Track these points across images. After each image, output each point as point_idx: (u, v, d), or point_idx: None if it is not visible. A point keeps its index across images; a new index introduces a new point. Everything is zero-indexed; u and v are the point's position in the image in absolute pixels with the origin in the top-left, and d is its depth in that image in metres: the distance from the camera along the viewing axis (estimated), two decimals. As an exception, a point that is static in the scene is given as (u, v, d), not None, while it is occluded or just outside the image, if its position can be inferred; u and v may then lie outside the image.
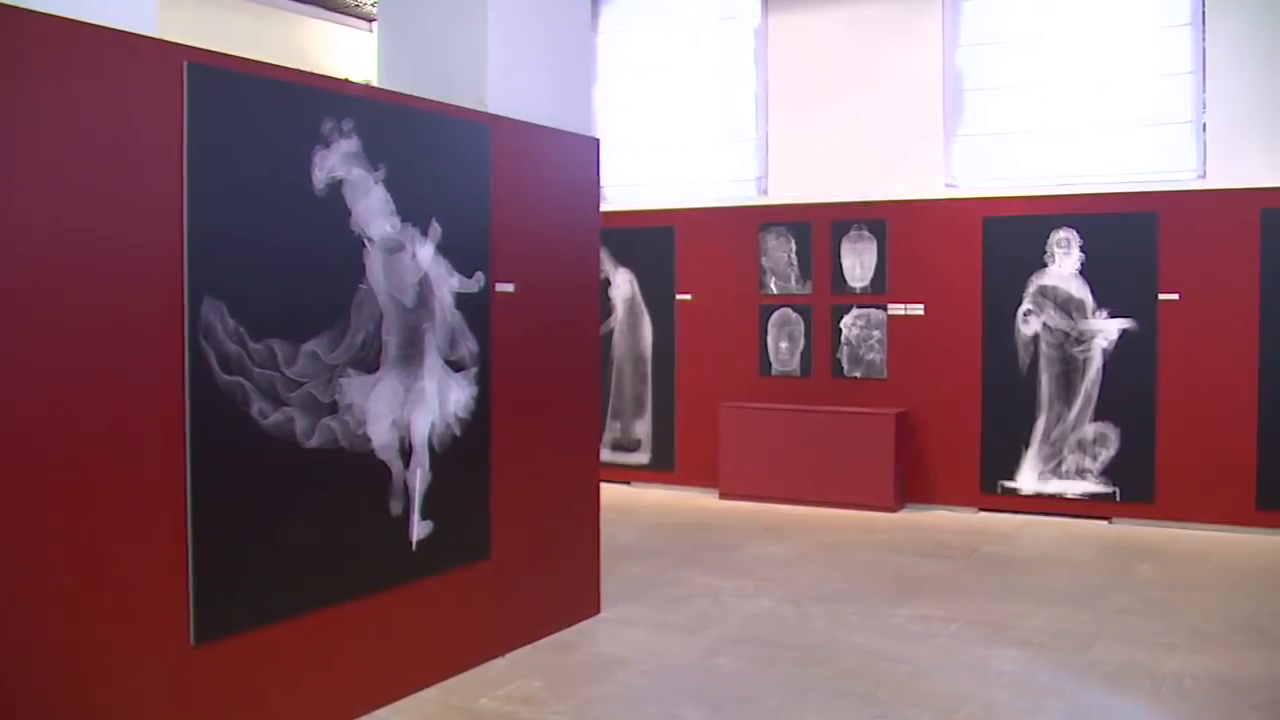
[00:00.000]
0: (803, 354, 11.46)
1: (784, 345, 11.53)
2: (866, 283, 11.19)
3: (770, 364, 11.59)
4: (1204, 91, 10.24)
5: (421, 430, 5.78)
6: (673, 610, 7.42)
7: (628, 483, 12.11)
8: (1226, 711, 5.67)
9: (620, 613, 7.30)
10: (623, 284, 12.24)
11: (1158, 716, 5.63)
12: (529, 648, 6.57)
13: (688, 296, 11.94)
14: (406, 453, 5.69)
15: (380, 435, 5.52)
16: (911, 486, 10.99)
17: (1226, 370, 9.94)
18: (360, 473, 5.45)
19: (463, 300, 6.06)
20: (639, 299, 12.18)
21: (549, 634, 6.79)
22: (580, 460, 7.21)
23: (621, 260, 12.19)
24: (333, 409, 5.24)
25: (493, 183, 6.30)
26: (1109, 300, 10.31)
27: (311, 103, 5.18)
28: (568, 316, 7.01)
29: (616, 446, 12.22)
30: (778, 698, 5.83)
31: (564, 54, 7.08)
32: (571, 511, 7.08)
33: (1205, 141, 10.25)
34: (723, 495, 11.47)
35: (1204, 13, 10.19)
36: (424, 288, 5.79)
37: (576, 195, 7.12)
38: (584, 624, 7.07)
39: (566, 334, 7.01)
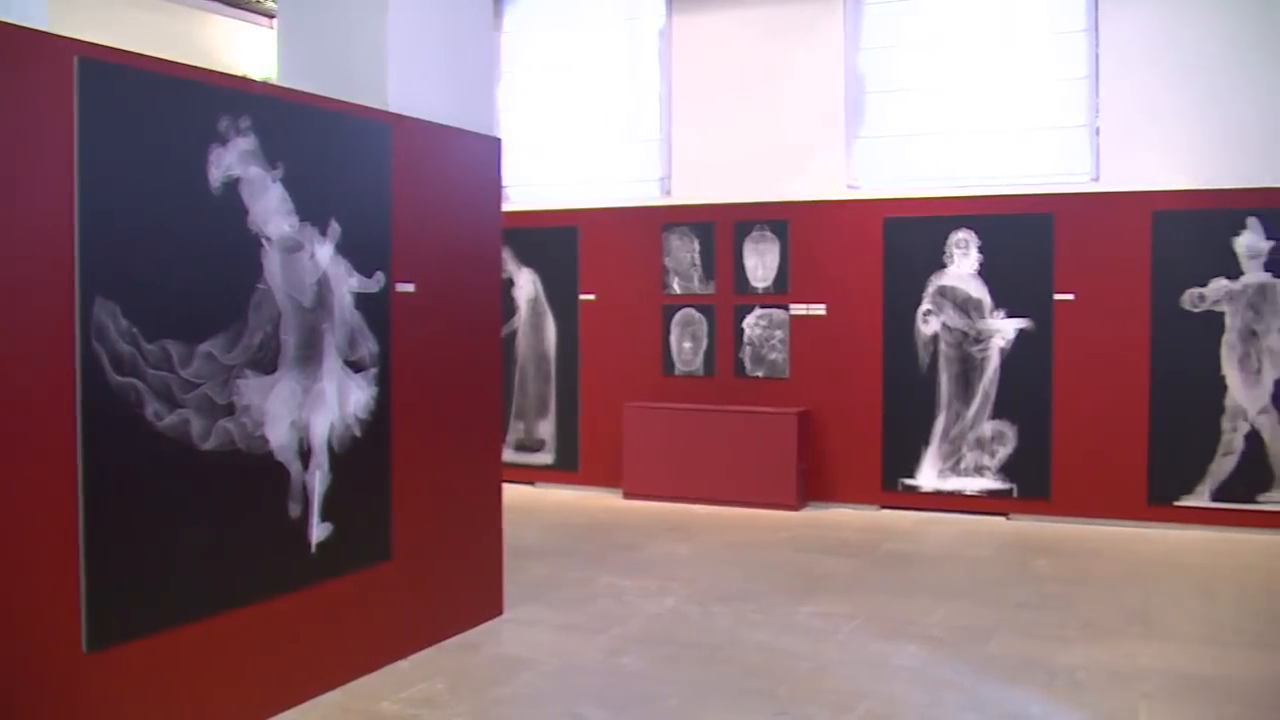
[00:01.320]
0: (706, 354, 11.51)
1: (687, 345, 11.57)
2: (769, 283, 11.26)
3: (673, 364, 11.63)
4: (1097, 96, 10.44)
5: (321, 431, 5.72)
6: (576, 610, 7.42)
7: (532, 483, 12.07)
8: (1117, 700, 5.80)
9: (523, 613, 7.28)
10: (526, 284, 12.20)
11: (1051, 707, 5.72)
12: (432, 649, 6.53)
13: (591, 296, 11.94)
14: (305, 454, 5.63)
15: (278, 437, 5.45)
16: (814, 485, 11.09)
17: (1119, 369, 10.16)
18: (258, 475, 5.37)
19: (362, 300, 6.00)
20: (542, 299, 12.15)
21: (452, 635, 6.75)
22: (482, 460, 7.18)
23: (525, 260, 12.15)
24: (229, 410, 5.16)
25: (393, 182, 6.26)
26: (1006, 300, 10.49)
27: (207, 100, 5.10)
28: (469, 316, 6.98)
29: (520, 447, 12.18)
30: (680, 697, 5.85)
31: (465, 53, 7.05)
32: (474, 512, 7.05)
33: (1099, 145, 10.45)
34: (627, 495, 11.49)
35: (1097, 18, 10.40)
36: (323, 288, 5.73)
37: (478, 195, 7.09)
38: (487, 625, 7.04)
39: (468, 334, 6.97)
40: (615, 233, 11.88)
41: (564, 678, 6.14)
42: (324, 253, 5.74)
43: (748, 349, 11.36)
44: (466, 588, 6.95)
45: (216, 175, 5.10)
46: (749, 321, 11.35)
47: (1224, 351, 9.91)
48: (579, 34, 12.51)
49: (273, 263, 5.42)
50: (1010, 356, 10.48)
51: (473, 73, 7.11)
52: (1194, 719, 5.57)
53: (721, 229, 11.45)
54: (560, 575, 8.32)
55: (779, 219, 11.23)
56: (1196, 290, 9.96)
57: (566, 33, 12.57)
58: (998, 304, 10.51)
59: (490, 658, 6.51)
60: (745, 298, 11.36)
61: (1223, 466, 9.94)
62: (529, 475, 12.10)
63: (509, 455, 11.87)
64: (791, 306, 11.20)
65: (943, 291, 10.67)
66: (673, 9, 11.82)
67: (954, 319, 10.63)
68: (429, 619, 6.60)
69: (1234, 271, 9.88)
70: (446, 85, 6.83)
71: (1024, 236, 10.41)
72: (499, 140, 7.31)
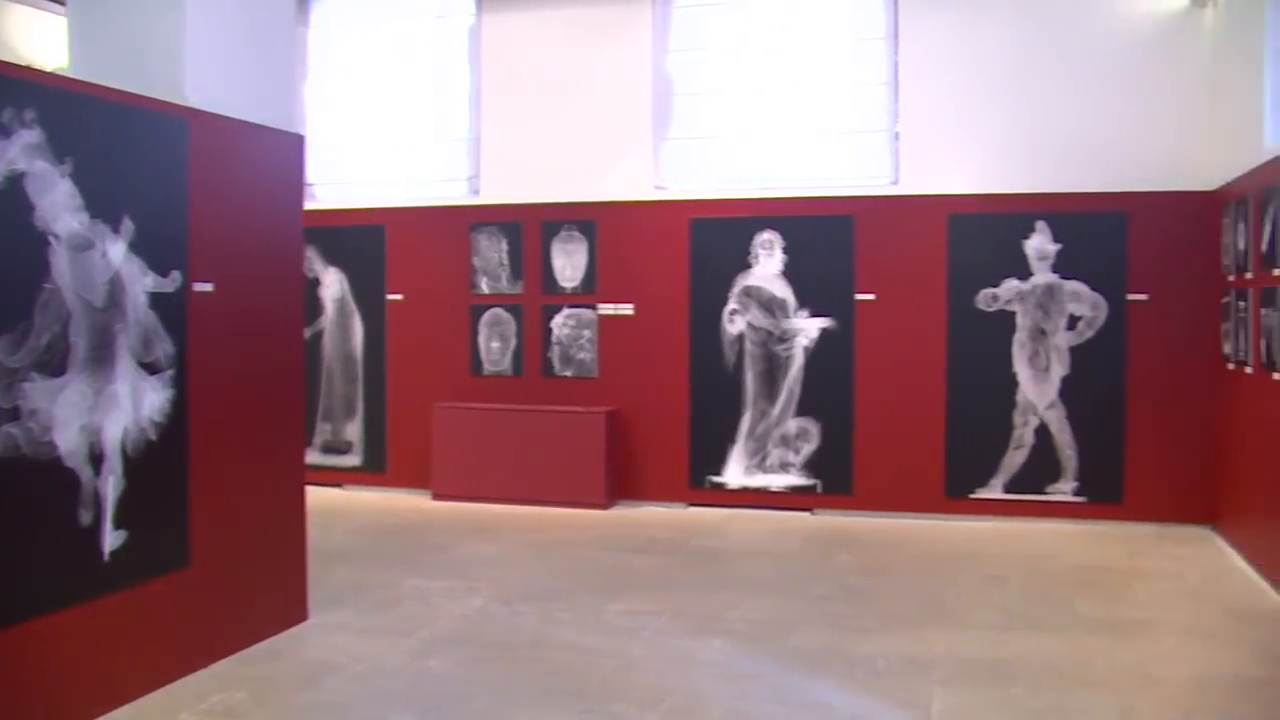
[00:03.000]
0: (514, 353, 11.48)
1: (495, 345, 11.53)
2: (577, 283, 11.29)
3: (482, 364, 11.57)
4: (897, 101, 10.74)
5: (113, 435, 5.53)
6: (382, 614, 7.33)
7: (339, 485, 11.89)
8: (913, 688, 5.99)
9: (329, 618, 7.16)
10: (332, 283, 12.00)
11: (852, 696, 5.87)
12: (234, 658, 6.37)
13: (399, 296, 11.81)
14: (97, 459, 5.43)
15: (67, 442, 5.25)
16: (622, 483, 11.16)
17: (918, 367, 10.48)
18: (45, 482, 5.16)
19: (158, 300, 5.83)
20: (349, 299, 11.96)
21: (255, 643, 6.60)
22: (285, 463, 7.04)
23: (331, 259, 11.96)
24: (14, 415, 4.95)
25: (190, 178, 6.09)
26: (810, 300, 10.72)
27: (-12, 90, 4.89)
28: (270, 316, 6.84)
29: (327, 449, 11.99)
30: (488, 698, 5.83)
31: (267, 48, 6.89)
32: (276, 516, 6.91)
33: (898, 149, 10.74)
34: (436, 496, 11.39)
35: (897, 26, 10.69)
36: (115, 287, 5.54)
37: (280, 192, 6.94)
38: (291, 631, 6.91)
39: (269, 334, 6.83)
40: (423, 232, 11.77)
41: (369, 682, 6.06)
42: (116, 251, 5.55)
43: (556, 349, 11.37)
44: (269, 594, 6.81)
45: (-1, 170, 4.90)
46: (557, 321, 11.37)
47: (1015, 349, 10.31)
48: (388, 31, 12.34)
49: (61, 261, 5.22)
50: (814, 355, 10.72)
51: (275, 68, 6.96)
52: (984, 701, 5.78)
53: (529, 229, 11.44)
54: (367, 579, 8.20)
55: (587, 219, 11.27)
56: (990, 290, 10.34)
57: (375, 30, 12.38)
58: (801, 304, 10.74)
59: (294, 664, 6.37)
60: (553, 297, 11.37)
61: (1014, 460, 10.34)
62: (336, 477, 11.91)
63: (315, 458, 11.69)
64: (599, 306, 11.26)
65: (748, 291, 10.85)
66: (482, 8, 11.76)
67: (759, 318, 10.81)
68: (230, 627, 6.44)
69: (1024, 273, 10.28)
70: (247, 80, 6.67)
71: (826, 238, 10.66)
72: (302, 137, 7.18)
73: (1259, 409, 8.46)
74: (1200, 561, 8.90)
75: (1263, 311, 8.22)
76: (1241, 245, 8.87)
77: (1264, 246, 8.21)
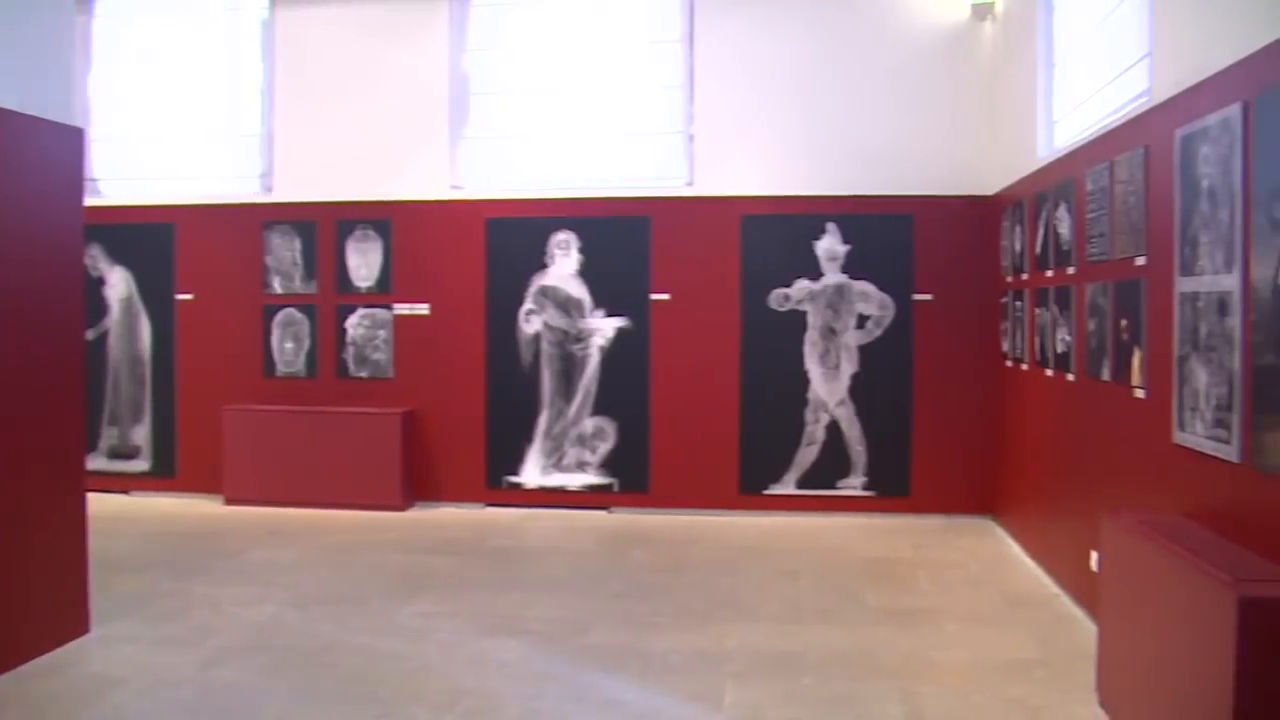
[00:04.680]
0: (308, 354, 11.31)
1: (289, 346, 11.33)
2: (372, 282, 11.18)
3: (275, 365, 11.37)
4: (692, 104, 10.89)
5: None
6: (170, 623, 7.17)
7: (126, 492, 11.55)
8: (706, 681, 6.13)
9: (114, 630, 6.97)
10: (118, 283, 11.64)
11: (646, 692, 5.97)
12: (9, 675, 6.14)
13: (189, 296, 11.52)
14: None
15: None
16: (420, 484, 11.09)
17: (712, 366, 10.68)
18: None
19: (-76, 304, 5.59)
20: (136, 299, 11.62)
21: (33, 658, 6.38)
22: (63, 469, 6.80)
23: (117, 258, 11.60)
24: None
25: (-42, 177, 5.85)
26: (605, 300, 10.83)
27: None
28: (47, 317, 6.61)
29: (114, 454, 11.63)
30: (279, 706, 5.76)
31: (40, 37, 6.63)
32: (54, 526, 6.67)
33: (693, 151, 10.90)
34: (228, 501, 11.15)
35: (692, 30, 10.85)
36: (-123, 290, 5.30)
37: (57, 188, 6.71)
38: (73, 644, 6.70)
39: (46, 335, 6.59)
40: (214, 230, 11.50)
41: (156, 695, 5.92)
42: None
43: (351, 349, 11.24)
44: (47, 607, 6.58)
45: None
46: (352, 321, 11.24)
47: (806, 348, 10.58)
48: (179, 22, 11.98)
49: None
50: (610, 355, 10.83)
51: (50, 59, 6.71)
52: (774, 693, 5.95)
53: (324, 227, 11.28)
54: (154, 588, 8.00)
55: (382, 218, 11.17)
56: (782, 291, 10.58)
57: (166, 20, 12.00)
58: (597, 304, 10.84)
59: (76, 680, 6.17)
60: (348, 297, 11.24)
61: (806, 456, 10.62)
62: (123, 484, 11.57)
63: (101, 463, 11.36)
64: (395, 306, 11.16)
65: (544, 291, 10.90)
66: (276, 0, 11.52)
67: (555, 318, 10.87)
68: (5, 643, 6.21)
69: (815, 273, 10.56)
70: (18, 71, 6.42)
71: (622, 238, 10.77)
72: (81, 131, 6.95)
73: (1033, 404, 8.85)
74: (981, 551, 9.29)
75: (1037, 311, 8.60)
76: (1018, 248, 9.26)
77: (1037, 249, 8.59)
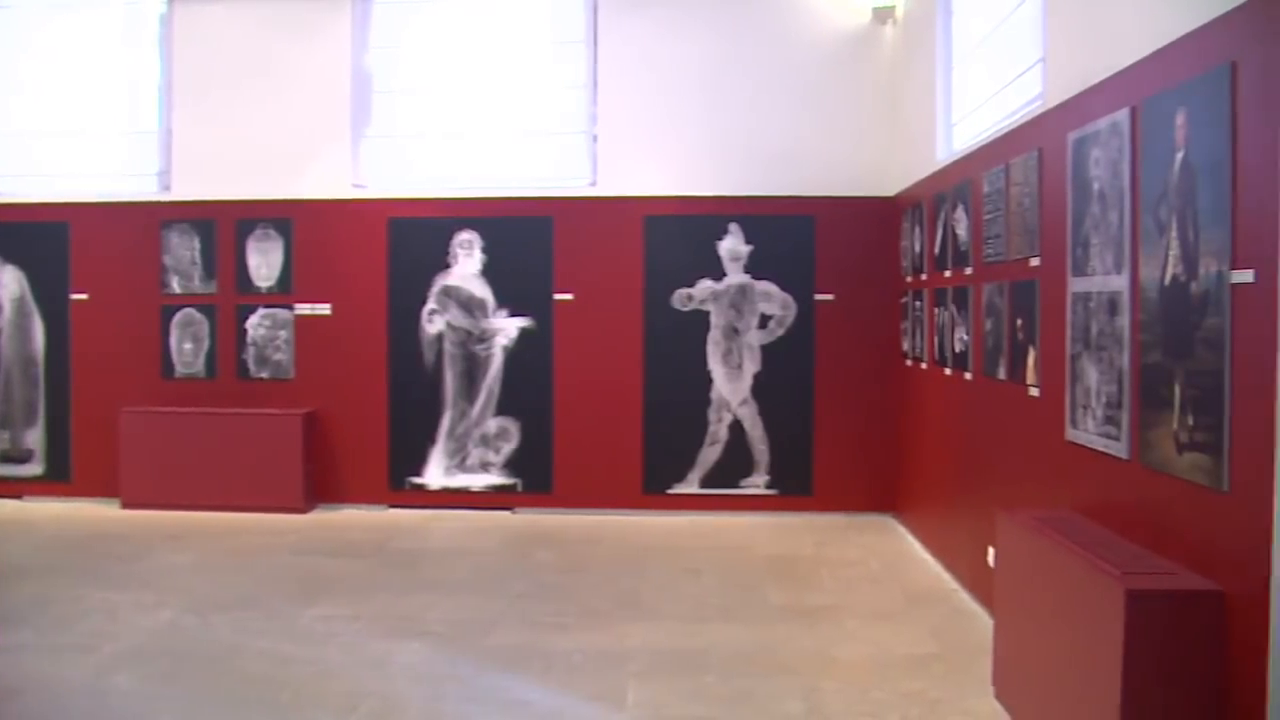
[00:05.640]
0: (207, 355, 11.15)
1: (188, 346, 11.16)
2: (273, 282, 11.05)
3: (173, 366, 11.19)
4: (595, 104, 10.90)
5: None
6: (66, 630, 7.02)
7: (19, 497, 11.32)
8: (609, 681, 6.14)
9: (7, 638, 6.84)
10: (10, 283, 11.39)
11: (548, 692, 5.97)
12: (-111, 689, 5.99)
13: (84, 296, 11.30)
14: None
15: None
16: (322, 486, 10.98)
17: (615, 365, 10.70)
18: None
19: None
20: (29, 299, 11.38)
21: (-88, 669, 6.23)
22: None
23: (8, 257, 11.35)
24: None
25: None
26: (509, 300, 10.81)
27: None
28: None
29: (5, 458, 11.38)
30: (176, 713, 5.68)
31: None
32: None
33: (596, 151, 10.91)
34: (125, 505, 10.95)
35: (596, 30, 10.86)
36: None
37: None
38: (-40, 655, 6.56)
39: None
40: (110, 229, 11.29)
41: (50, 705, 5.79)
42: None
43: (251, 350, 11.10)
44: (-71, 614, 6.42)
45: None
46: (252, 322, 11.10)
47: (709, 348, 10.64)
48: (73, 16, 11.71)
49: None
50: (513, 355, 10.81)
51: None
52: (677, 691, 5.97)
53: (223, 226, 11.13)
54: (49, 594, 7.85)
55: (283, 217, 11.05)
56: (685, 290, 10.63)
57: (60, 13, 11.74)
58: (501, 303, 10.81)
59: (-38, 690, 6.05)
60: (248, 297, 11.10)
61: (709, 455, 10.67)
62: (15, 488, 11.34)
63: (-9, 467, 11.13)
64: (296, 306, 11.04)
65: (447, 291, 10.85)
66: (172, -5, 11.35)
67: (458, 318, 10.82)
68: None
69: (718, 273, 10.61)
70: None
71: (525, 238, 10.76)
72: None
73: (932, 403, 8.98)
74: (882, 548, 9.40)
75: (935, 311, 8.72)
76: (917, 249, 9.38)
77: (936, 250, 8.71)
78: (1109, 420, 5.23)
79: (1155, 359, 4.73)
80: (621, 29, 10.80)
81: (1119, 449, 5.11)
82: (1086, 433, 5.53)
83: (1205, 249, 4.29)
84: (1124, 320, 5.06)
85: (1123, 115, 5.10)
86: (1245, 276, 4.02)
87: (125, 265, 11.26)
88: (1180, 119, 4.52)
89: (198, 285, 11.17)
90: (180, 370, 11.20)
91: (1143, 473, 4.86)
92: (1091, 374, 5.46)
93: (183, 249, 11.19)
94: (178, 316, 11.21)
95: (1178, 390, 4.51)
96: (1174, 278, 4.56)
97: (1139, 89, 4.96)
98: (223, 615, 7.35)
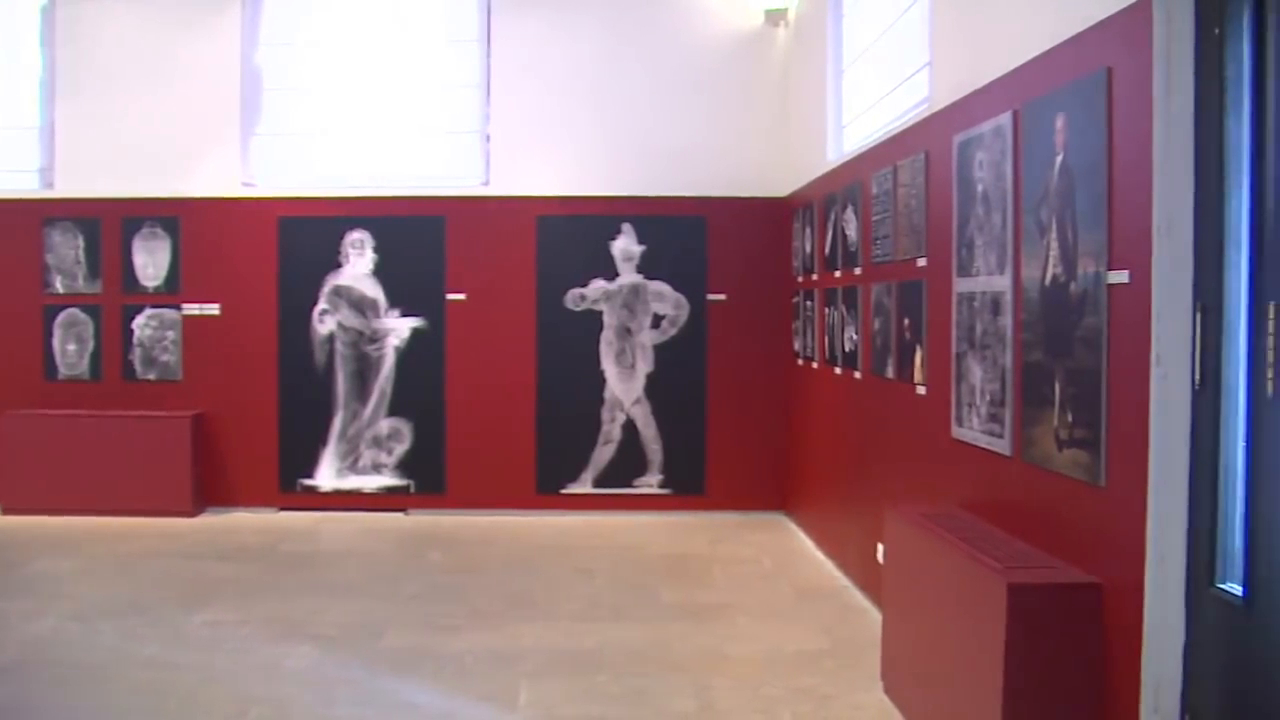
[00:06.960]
0: (92, 356, 10.92)
1: (72, 347, 10.93)
2: (160, 282, 10.87)
3: (57, 368, 10.95)
4: (488, 103, 10.87)
5: None
6: (-60, 641, 6.85)
7: (-106, 501, 11.00)
8: (501, 681, 6.13)
9: (-122, 650, 6.65)
10: (-116, 281, 11.07)
11: (440, 694, 5.95)
12: None
13: (-39, 296, 11.03)
14: None
15: None
16: (211, 489, 10.82)
17: (508, 365, 10.70)
18: None
19: None
20: (-96, 298, 11.08)
21: None
22: None
23: (-118, 255, 11.05)
24: None
25: None
26: (401, 300, 10.74)
27: None
28: None
29: (-120, 462, 11.06)
30: (60, 723, 5.57)
31: None
32: None
33: (489, 151, 10.88)
34: (6, 510, 10.68)
35: (489, 29, 10.82)
36: None
37: None
38: None
39: None
40: (-11, 227, 11.03)
41: (-75, 717, 5.66)
42: None
43: (138, 350, 10.90)
44: None
45: None
46: (139, 322, 10.90)
47: (602, 348, 10.67)
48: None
49: None
50: (405, 355, 10.76)
51: None
52: (569, 691, 5.98)
53: (109, 224, 10.92)
54: (-76, 603, 7.65)
55: (170, 215, 10.86)
56: (578, 290, 10.66)
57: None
58: (392, 303, 10.74)
59: None
60: (134, 297, 10.90)
61: (603, 455, 10.71)
62: (-110, 492, 11.02)
63: None
64: (184, 306, 10.87)
65: (338, 291, 10.76)
66: (53, -13, 11.10)
67: (350, 318, 10.74)
68: None
69: (611, 273, 10.65)
70: None
71: (417, 238, 10.71)
72: None
73: (823, 402, 9.09)
74: (774, 546, 9.50)
75: (826, 310, 8.83)
76: (808, 249, 9.49)
77: (826, 250, 8.82)
78: (993, 418, 5.34)
79: (1036, 358, 4.84)
80: (514, 28, 10.79)
81: (1002, 446, 5.22)
82: (971, 430, 5.63)
83: (1084, 250, 4.40)
84: (1007, 320, 5.17)
85: (1005, 118, 5.21)
86: (1121, 277, 4.13)
87: (5, 264, 10.99)
88: (1060, 123, 4.63)
89: (82, 285, 10.94)
90: (64, 372, 10.97)
91: (1025, 469, 4.97)
92: (976, 373, 5.57)
93: (66, 247, 10.96)
94: (61, 317, 10.97)
95: (1058, 388, 4.63)
96: (1054, 278, 4.67)
97: (1021, 93, 5.07)
98: (108, 622, 7.20)
